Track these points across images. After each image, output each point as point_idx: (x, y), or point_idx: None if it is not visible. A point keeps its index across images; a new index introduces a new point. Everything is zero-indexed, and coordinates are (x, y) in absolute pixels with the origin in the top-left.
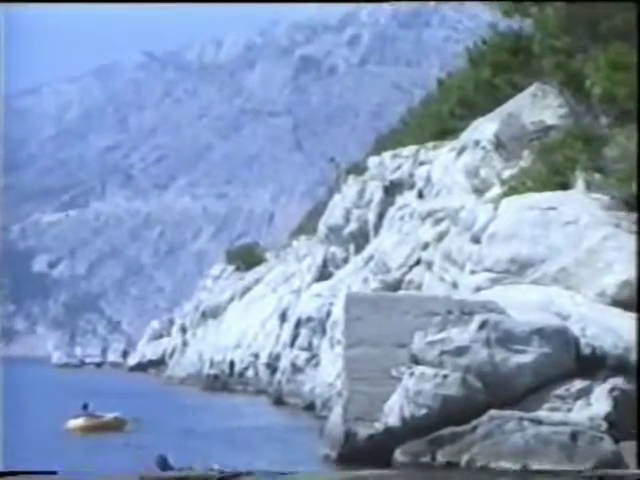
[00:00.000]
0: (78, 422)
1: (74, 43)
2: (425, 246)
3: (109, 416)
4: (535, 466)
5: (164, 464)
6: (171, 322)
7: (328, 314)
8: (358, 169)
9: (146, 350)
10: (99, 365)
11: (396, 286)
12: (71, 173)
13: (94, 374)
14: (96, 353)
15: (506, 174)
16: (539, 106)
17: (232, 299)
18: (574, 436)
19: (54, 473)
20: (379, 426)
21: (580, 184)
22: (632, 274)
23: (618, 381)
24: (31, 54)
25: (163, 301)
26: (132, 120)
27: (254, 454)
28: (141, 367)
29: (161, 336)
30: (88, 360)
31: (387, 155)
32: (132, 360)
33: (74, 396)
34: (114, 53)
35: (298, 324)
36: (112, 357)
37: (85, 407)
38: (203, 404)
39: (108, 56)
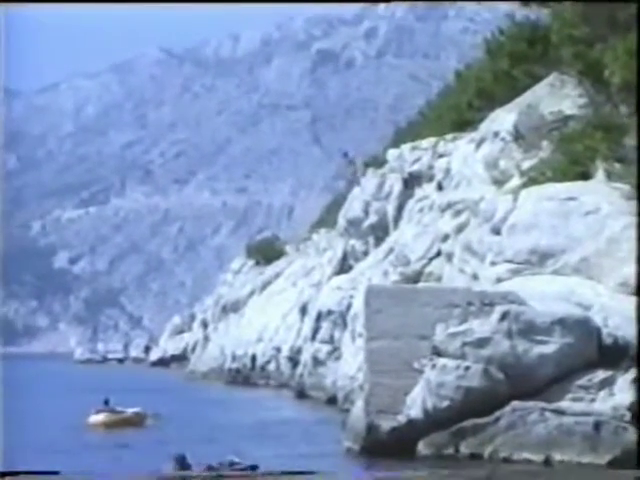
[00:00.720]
0: (99, 418)
1: (91, 41)
2: (445, 238)
3: (130, 411)
4: (558, 457)
5: (182, 463)
6: (192, 317)
7: (349, 307)
8: (377, 162)
9: (168, 345)
10: (121, 361)
11: (416, 278)
12: (90, 169)
13: (116, 370)
14: (118, 349)
15: (525, 165)
16: (558, 96)
17: (253, 293)
18: (597, 426)
19: (56, 473)
20: (401, 419)
21: (600, 174)
22: None
23: None
24: (48, 52)
25: (184, 296)
26: (151, 116)
27: (277, 448)
28: (163, 362)
29: (182, 331)
30: (110, 356)
31: (406, 147)
32: (154, 355)
33: (96, 392)
34: (131, 50)
35: (319, 317)
36: (134, 353)
37: (106, 402)
38: (225, 398)
39: (125, 53)
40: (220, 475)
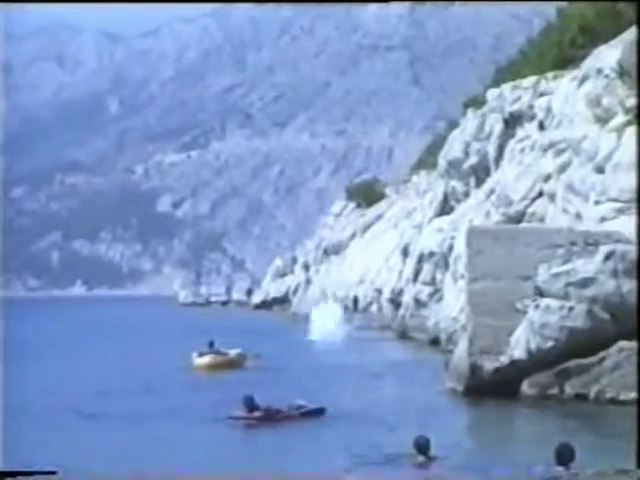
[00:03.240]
0: (204, 359)
1: None
2: (547, 178)
3: (233, 352)
4: None
5: (251, 404)
6: (294, 260)
7: (450, 248)
8: (477, 102)
9: (270, 288)
10: (224, 304)
11: (518, 218)
12: (191, 114)
13: (220, 312)
14: (221, 292)
15: (630, 102)
16: None
17: (354, 235)
18: None
19: (54, 473)
20: (505, 359)
21: None
22: None
23: None
24: None
25: (285, 239)
26: (250, 59)
27: (380, 389)
28: (265, 305)
29: (284, 274)
30: (214, 299)
31: (506, 87)
32: (256, 298)
33: (200, 334)
34: None
35: (420, 259)
36: (237, 295)
37: (211, 344)
38: (329, 340)
39: None
40: (288, 416)
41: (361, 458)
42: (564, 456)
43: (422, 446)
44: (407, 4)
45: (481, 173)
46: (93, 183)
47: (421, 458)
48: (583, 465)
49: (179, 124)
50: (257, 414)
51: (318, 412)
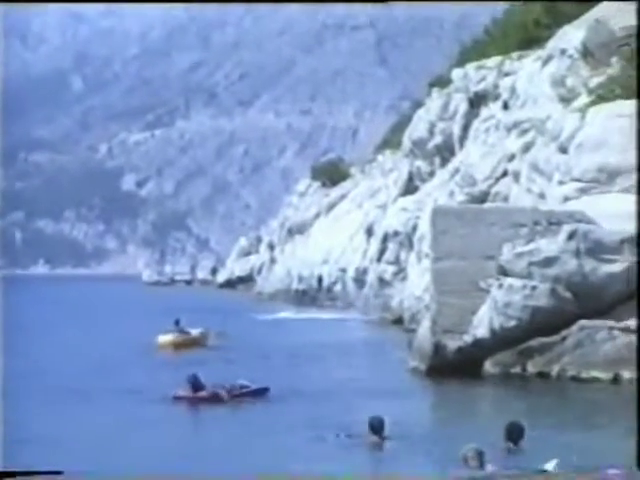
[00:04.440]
0: (168, 338)
1: None
2: (511, 157)
3: (197, 331)
4: (627, 375)
5: (196, 383)
6: (258, 239)
7: (414, 228)
8: (442, 82)
9: (235, 267)
10: (189, 282)
11: (483, 198)
12: (155, 92)
13: (184, 291)
14: (185, 271)
15: (594, 82)
16: (628, 10)
17: (318, 215)
18: None
19: (60, 473)
20: (468, 338)
21: None
22: None
23: None
24: None
25: (250, 218)
26: (214, 38)
27: (343, 368)
28: (230, 284)
29: (249, 253)
30: (178, 278)
31: (471, 67)
32: (221, 277)
33: (165, 313)
34: None
35: (385, 238)
36: (201, 274)
37: (177, 323)
38: (292, 319)
39: None
40: (235, 396)
41: (316, 437)
42: (513, 434)
43: (376, 426)
44: None
45: (446, 153)
46: (57, 161)
47: (374, 438)
48: (543, 442)
49: (143, 103)
50: (202, 394)
51: (261, 392)
